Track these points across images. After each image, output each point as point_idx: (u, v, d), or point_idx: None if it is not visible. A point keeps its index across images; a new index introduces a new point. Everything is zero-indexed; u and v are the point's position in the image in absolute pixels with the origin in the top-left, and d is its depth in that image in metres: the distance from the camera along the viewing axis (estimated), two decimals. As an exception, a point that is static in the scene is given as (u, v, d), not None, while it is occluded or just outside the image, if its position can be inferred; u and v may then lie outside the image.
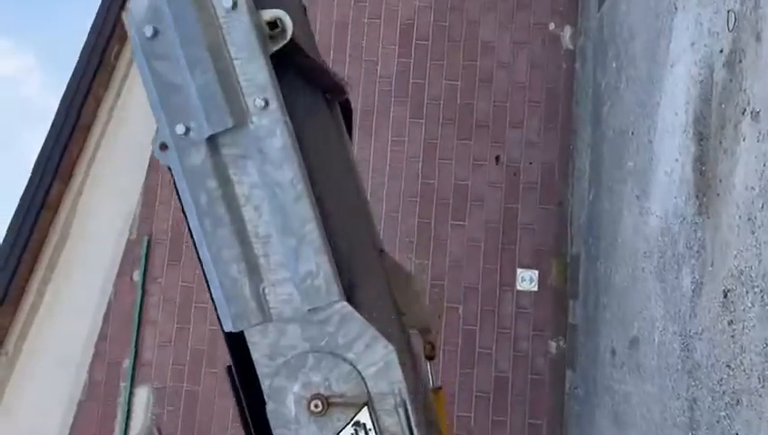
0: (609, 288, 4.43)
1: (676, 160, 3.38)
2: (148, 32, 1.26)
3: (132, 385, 5.93)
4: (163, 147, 1.27)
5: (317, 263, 1.21)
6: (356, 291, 1.30)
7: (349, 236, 1.52)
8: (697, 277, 3.04)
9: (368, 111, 5.97)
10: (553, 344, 5.56)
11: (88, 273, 6.17)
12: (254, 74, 1.24)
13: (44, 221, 5.88)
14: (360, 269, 1.51)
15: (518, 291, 5.63)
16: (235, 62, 1.25)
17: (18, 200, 5.77)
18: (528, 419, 5.48)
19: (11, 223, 5.78)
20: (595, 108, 5.15)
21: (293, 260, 1.21)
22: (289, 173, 1.23)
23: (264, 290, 1.21)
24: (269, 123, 1.25)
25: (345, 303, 1.20)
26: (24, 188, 5.72)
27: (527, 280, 5.63)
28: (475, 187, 5.81)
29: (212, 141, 1.27)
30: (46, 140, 5.45)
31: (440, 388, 2.13)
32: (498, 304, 5.63)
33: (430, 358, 2.07)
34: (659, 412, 3.37)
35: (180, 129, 1.25)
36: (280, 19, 1.29)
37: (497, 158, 5.82)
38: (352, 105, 1.92)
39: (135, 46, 1.27)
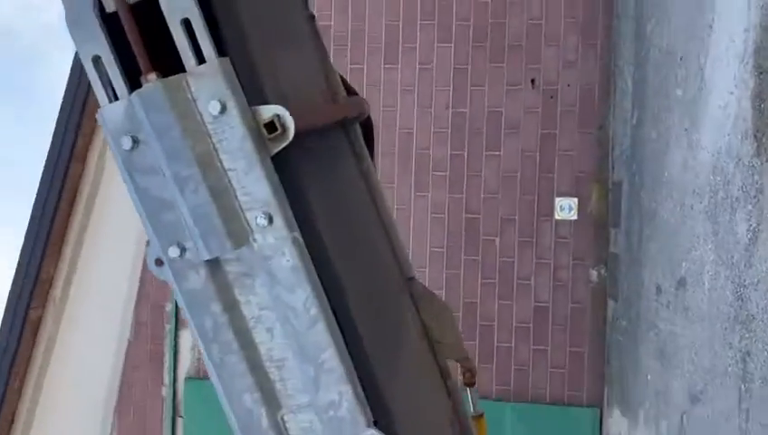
0: (654, 221, 4.24)
1: (731, 94, 3.10)
2: (127, 144, 1.07)
3: (177, 327, 6.07)
4: (159, 262, 1.11)
5: (339, 392, 1.07)
6: (387, 397, 1.18)
7: (372, 296, 1.39)
8: (754, 224, 2.84)
9: (392, 37, 5.65)
10: (594, 273, 5.44)
11: (124, 219, 6.19)
12: (253, 187, 1.06)
13: (75, 171, 5.87)
14: (389, 345, 1.38)
15: (557, 220, 5.47)
16: (230, 173, 1.07)
17: (47, 152, 5.75)
18: (569, 347, 5.46)
19: (42, 175, 5.79)
20: (638, 23, 4.76)
21: (313, 388, 1.08)
22: (301, 296, 1.08)
23: (283, 417, 1.10)
24: (275, 242, 1.08)
25: (373, 431, 1.08)
26: (51, 137, 5.68)
27: (566, 209, 5.45)
28: (510, 113, 5.53)
29: (212, 261, 1.09)
30: (65, 97, 5.34)
31: (482, 415, 2.02)
32: (536, 235, 5.49)
33: (470, 385, 1.95)
34: (709, 359, 3.26)
35: (174, 251, 1.09)
36: (278, 116, 1.07)
37: (532, 81, 5.50)
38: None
39: (115, 156, 1.09)
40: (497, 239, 5.52)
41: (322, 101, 1.47)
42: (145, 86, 1.05)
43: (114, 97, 1.08)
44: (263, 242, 1.07)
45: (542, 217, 5.48)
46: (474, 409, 1.96)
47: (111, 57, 1.06)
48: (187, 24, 1.04)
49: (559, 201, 5.46)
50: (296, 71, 1.40)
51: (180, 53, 1.05)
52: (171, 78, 1.05)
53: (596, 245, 5.41)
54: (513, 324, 5.50)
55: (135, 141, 1.07)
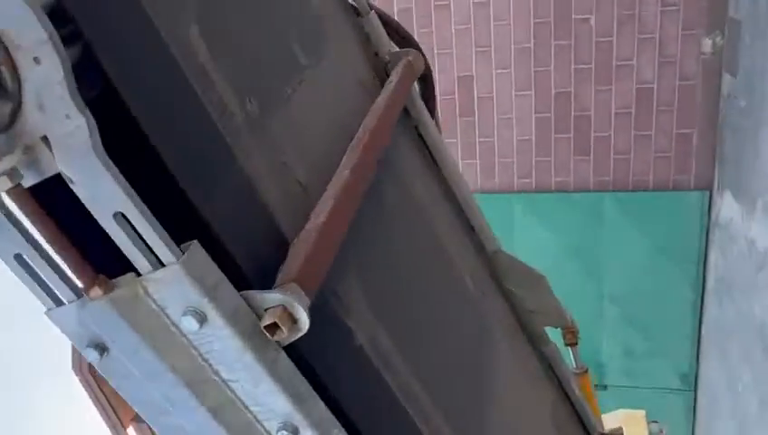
0: (790, -20, 3.48)
1: None
2: (93, 356, 0.77)
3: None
4: None
5: None
6: None
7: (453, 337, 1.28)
8: None
9: None
10: (708, 43, 4.73)
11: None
12: (266, 399, 0.79)
13: None
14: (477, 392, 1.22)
15: (664, -16, 4.67)
16: (232, 384, 0.78)
17: None
18: (676, 129, 4.98)
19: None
20: None
21: None
22: None
23: None
24: None
25: None
26: None
27: (675, -31, 4.61)
28: None
29: None
30: None
31: (586, 371, 1.93)
32: (639, 5, 4.75)
33: (572, 344, 1.83)
34: None
35: None
36: (284, 308, 0.74)
37: None
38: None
39: None
40: (592, 17, 4.83)
41: (367, 96, 1.19)
42: (90, 304, 0.74)
43: (58, 299, 0.77)
44: None
45: (645, -16, 4.70)
46: (576, 365, 1.91)
47: (37, 254, 0.73)
48: (124, 217, 0.70)
49: (666, -40, 4.62)
50: (330, 86, 1.12)
51: (126, 255, 0.72)
52: (122, 291, 0.73)
53: (712, 9, 4.64)
54: (613, 111, 5.03)
55: (102, 349, 0.78)
